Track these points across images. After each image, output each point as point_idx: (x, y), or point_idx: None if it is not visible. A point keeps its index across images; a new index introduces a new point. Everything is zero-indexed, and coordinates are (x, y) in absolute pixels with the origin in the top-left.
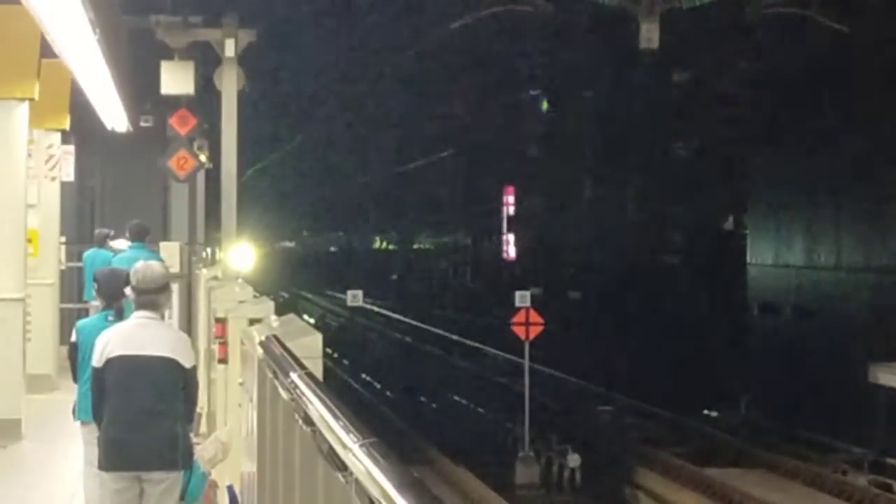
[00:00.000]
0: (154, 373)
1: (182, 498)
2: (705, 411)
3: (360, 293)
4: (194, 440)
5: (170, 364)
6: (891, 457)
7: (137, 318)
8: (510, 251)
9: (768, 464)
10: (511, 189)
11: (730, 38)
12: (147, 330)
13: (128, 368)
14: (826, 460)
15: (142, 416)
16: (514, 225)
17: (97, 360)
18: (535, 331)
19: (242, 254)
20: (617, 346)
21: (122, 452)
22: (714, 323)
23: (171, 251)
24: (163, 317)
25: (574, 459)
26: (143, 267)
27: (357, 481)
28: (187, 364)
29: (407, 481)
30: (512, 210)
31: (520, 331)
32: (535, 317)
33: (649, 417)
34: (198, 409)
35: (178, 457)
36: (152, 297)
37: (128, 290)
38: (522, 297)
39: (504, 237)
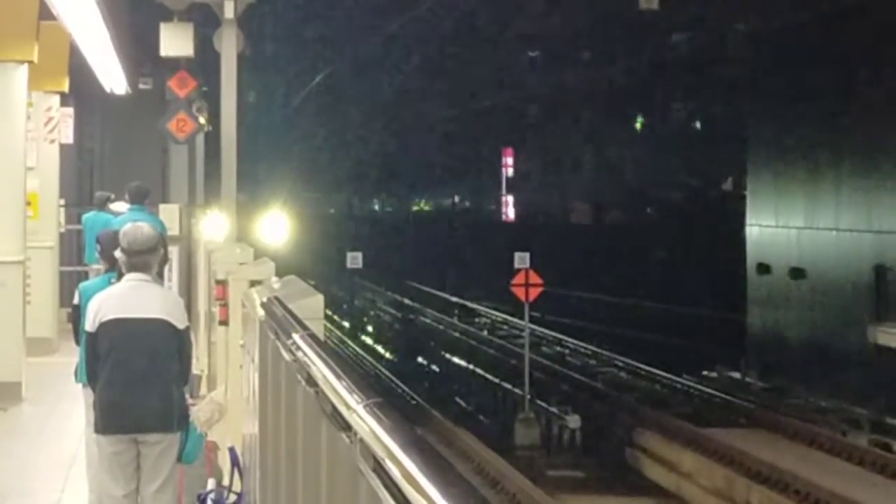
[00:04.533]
0: (148, 335)
1: (179, 459)
2: (704, 372)
3: (359, 255)
4: (191, 402)
5: (163, 326)
6: (891, 416)
7: (129, 281)
8: (509, 212)
9: (768, 424)
10: (509, 151)
11: None
12: (140, 292)
13: (121, 331)
14: (826, 420)
15: (136, 378)
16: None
17: (90, 325)
18: (534, 292)
19: (273, 225)
20: (615, 307)
21: (117, 415)
22: (713, 283)
23: (170, 213)
24: (162, 277)
25: (574, 420)
26: (132, 229)
27: (361, 441)
28: (181, 325)
29: (411, 440)
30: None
31: (519, 292)
32: (534, 278)
33: (648, 378)
34: (198, 372)
35: (173, 419)
36: (143, 258)
37: (118, 253)
38: (521, 259)
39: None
